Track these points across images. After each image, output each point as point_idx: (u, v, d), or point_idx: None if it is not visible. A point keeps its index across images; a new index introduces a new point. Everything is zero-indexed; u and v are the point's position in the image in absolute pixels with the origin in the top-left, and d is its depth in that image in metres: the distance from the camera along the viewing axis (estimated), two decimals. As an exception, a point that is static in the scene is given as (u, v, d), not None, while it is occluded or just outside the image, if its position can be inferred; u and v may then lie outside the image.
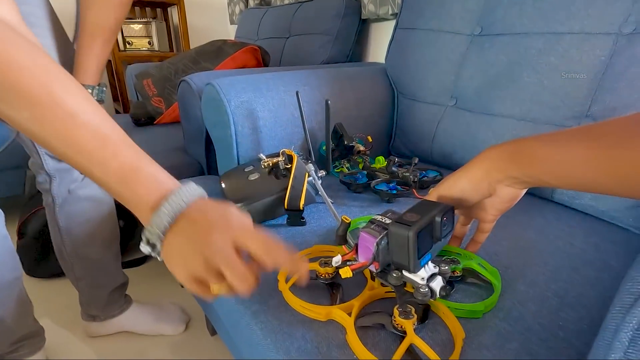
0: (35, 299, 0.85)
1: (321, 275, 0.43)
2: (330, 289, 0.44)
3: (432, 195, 0.44)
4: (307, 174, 0.59)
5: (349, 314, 0.40)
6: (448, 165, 0.85)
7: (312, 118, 0.85)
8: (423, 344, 0.34)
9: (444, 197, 0.43)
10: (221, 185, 0.63)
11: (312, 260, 0.46)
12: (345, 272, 0.40)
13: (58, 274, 1.15)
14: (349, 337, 0.37)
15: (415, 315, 0.36)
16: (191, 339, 0.95)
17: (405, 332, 0.36)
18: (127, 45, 2.03)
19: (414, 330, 0.36)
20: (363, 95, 0.94)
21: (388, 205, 0.65)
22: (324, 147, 0.86)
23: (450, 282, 0.43)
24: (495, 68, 0.75)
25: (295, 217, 0.58)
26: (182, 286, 1.12)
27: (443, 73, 0.85)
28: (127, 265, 1.22)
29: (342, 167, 0.83)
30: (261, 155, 0.65)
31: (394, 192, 0.66)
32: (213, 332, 0.95)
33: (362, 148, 0.84)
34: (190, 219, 0.36)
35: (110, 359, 0.90)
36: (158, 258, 0.37)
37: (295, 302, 0.42)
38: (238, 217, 0.38)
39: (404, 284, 0.40)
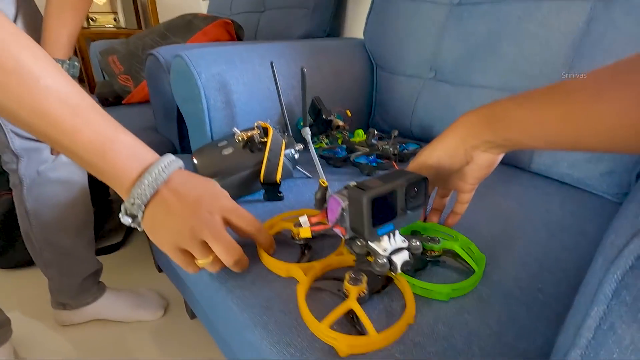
0: (0, 290, 0.80)
1: (295, 236, 0.44)
2: (303, 249, 0.45)
3: (411, 167, 0.44)
4: (283, 146, 0.57)
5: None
6: (428, 139, 0.82)
7: (288, 92, 0.82)
8: (360, 311, 0.33)
9: (422, 168, 0.42)
10: (193, 162, 0.60)
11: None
12: (305, 232, 0.42)
13: (25, 263, 1.09)
14: (298, 293, 0.37)
15: (364, 284, 0.36)
16: (171, 324, 0.93)
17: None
18: (91, 22, 1.90)
19: (365, 299, 0.36)
20: (341, 69, 0.91)
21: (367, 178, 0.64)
22: (302, 123, 0.83)
23: (425, 262, 0.42)
24: (475, 38, 0.73)
25: (272, 191, 0.56)
26: (160, 271, 1.09)
27: (422, 45, 0.83)
28: (101, 251, 1.17)
29: (321, 142, 0.80)
30: (235, 129, 0.62)
31: (374, 164, 0.65)
32: (193, 316, 0.93)
33: (341, 123, 0.81)
34: (173, 191, 0.36)
35: (86, 347, 0.87)
36: (138, 228, 0.38)
37: (264, 258, 0.43)
38: (223, 193, 0.40)
39: (368, 254, 0.38)
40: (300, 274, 0.39)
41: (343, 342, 0.32)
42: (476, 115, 0.39)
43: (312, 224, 0.43)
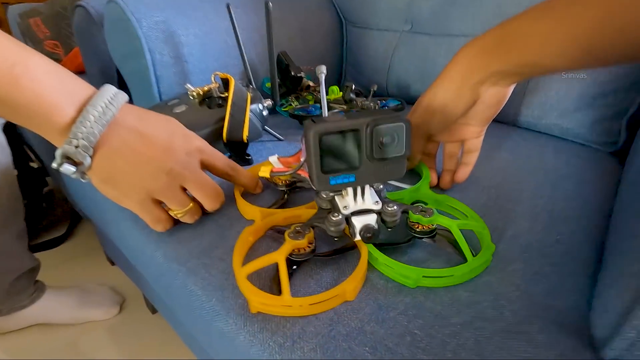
0: None
1: (274, 180, 0.40)
2: (282, 195, 0.41)
3: (414, 116, 0.38)
4: (249, 100, 0.48)
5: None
6: (406, 99, 0.77)
7: (250, 49, 0.71)
8: (282, 268, 0.27)
9: (426, 116, 0.37)
10: (138, 124, 0.49)
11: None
12: (264, 172, 0.38)
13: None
14: (241, 235, 0.32)
15: (306, 240, 0.29)
16: (129, 321, 0.82)
17: None
18: (9, -14, 1.63)
19: (303, 258, 0.30)
20: (307, 26, 0.82)
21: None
22: (268, 84, 0.73)
23: (409, 236, 0.33)
24: (454, -19, 0.67)
25: (238, 152, 0.47)
26: (113, 263, 0.96)
27: (395, -7, 0.75)
28: (42, 247, 1.02)
29: (290, 104, 0.71)
30: (188, 85, 0.51)
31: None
32: (154, 310, 0.82)
33: (311, 84, 0.73)
34: (132, 129, 0.30)
35: (27, 357, 0.74)
36: (82, 179, 0.30)
37: (238, 199, 0.39)
38: (191, 132, 0.35)
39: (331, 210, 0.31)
40: (257, 218, 0.35)
41: (252, 296, 0.27)
42: (481, 44, 0.33)
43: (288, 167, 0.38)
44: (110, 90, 0.30)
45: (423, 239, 0.32)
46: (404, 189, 0.39)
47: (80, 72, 1.08)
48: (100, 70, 0.80)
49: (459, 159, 0.42)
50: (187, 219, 0.35)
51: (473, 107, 0.36)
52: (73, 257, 1.02)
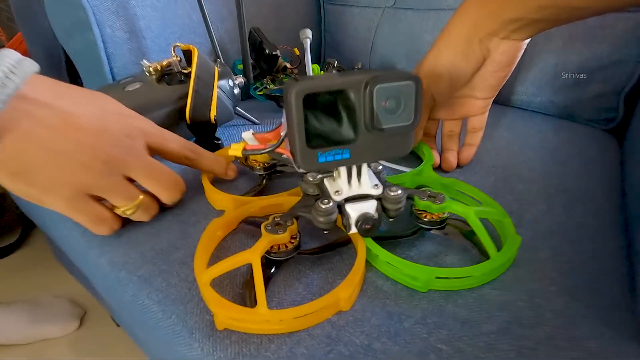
0: None
1: (247, 163, 0.34)
2: (260, 181, 0.34)
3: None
4: (217, 74, 0.40)
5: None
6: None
7: (219, 26, 0.64)
8: (257, 271, 0.21)
9: (431, 79, 0.31)
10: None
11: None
12: (235, 150, 0.30)
13: None
14: (206, 229, 0.26)
15: (288, 234, 0.23)
16: (92, 336, 0.73)
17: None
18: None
19: (286, 255, 0.24)
20: (281, 3, 0.75)
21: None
22: (239, 67, 0.66)
23: (415, 227, 0.27)
24: (440, -50, 0.62)
25: (206, 135, 0.39)
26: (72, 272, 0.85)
27: (376, -34, 0.70)
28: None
29: (265, 87, 0.64)
30: (144, 61, 0.44)
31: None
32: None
33: (288, 65, 0.66)
34: (48, 106, 0.23)
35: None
36: None
37: (206, 186, 0.32)
38: (130, 111, 0.29)
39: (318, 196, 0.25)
40: (229, 207, 0.29)
41: (217, 308, 0.20)
42: None
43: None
44: (9, 55, 0.22)
45: (431, 231, 0.26)
46: (404, 172, 0.33)
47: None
48: (45, 51, 0.69)
49: (460, 139, 0.37)
50: (140, 216, 0.28)
51: (480, 70, 0.31)
52: (26, 267, 0.91)
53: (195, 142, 0.40)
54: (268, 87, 0.64)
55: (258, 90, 0.64)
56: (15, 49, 0.82)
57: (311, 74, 0.33)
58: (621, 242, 0.29)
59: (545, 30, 0.29)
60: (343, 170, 0.24)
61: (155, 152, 0.28)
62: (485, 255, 0.24)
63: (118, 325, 0.73)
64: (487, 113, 0.36)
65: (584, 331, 0.20)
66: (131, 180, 0.26)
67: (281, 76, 0.66)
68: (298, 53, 0.69)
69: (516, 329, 0.20)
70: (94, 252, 0.29)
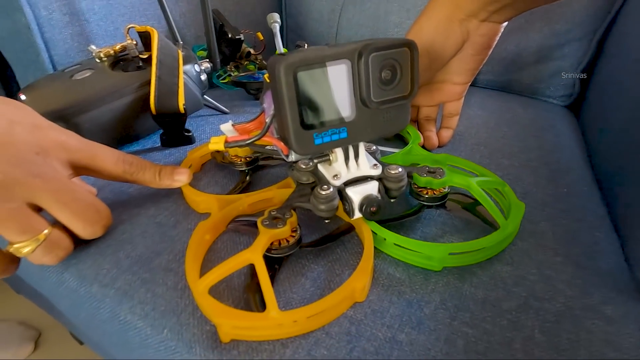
0: None
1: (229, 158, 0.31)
2: (243, 177, 0.31)
3: None
4: (181, 58, 0.36)
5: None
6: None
7: (173, 8, 0.58)
8: (262, 271, 0.19)
9: None
10: (20, 99, 0.35)
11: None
12: (216, 143, 0.25)
13: None
14: (192, 234, 0.23)
15: (288, 228, 0.21)
16: (49, 358, 0.66)
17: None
18: None
19: (288, 251, 0.22)
20: (239, -16, 0.70)
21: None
22: (199, 53, 0.61)
23: (417, 205, 0.26)
24: None
25: (174, 127, 0.35)
26: (19, 291, 0.77)
27: (337, -55, 0.67)
28: None
29: (229, 75, 0.60)
30: (92, 46, 0.39)
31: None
32: (82, 340, 0.67)
33: (252, 50, 0.62)
34: None
35: None
36: None
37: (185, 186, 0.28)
38: (45, 121, 0.23)
39: (314, 184, 0.24)
40: (214, 207, 0.26)
41: (221, 319, 0.18)
42: None
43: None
44: None
45: (433, 207, 0.26)
46: (393, 152, 0.32)
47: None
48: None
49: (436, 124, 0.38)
50: (42, 257, 0.21)
51: (459, 53, 0.31)
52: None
53: (163, 135, 0.36)
54: (232, 74, 0.60)
55: (222, 78, 0.60)
56: None
57: (280, 44, 0.30)
58: (602, 207, 0.30)
59: (524, 12, 0.29)
60: (340, 152, 0.22)
61: (84, 172, 0.24)
62: (491, 226, 0.23)
63: (81, 344, 0.67)
64: (463, 99, 0.36)
65: (597, 298, 0.20)
66: (39, 209, 0.21)
67: (245, 62, 0.62)
68: (262, 38, 0.65)
69: (534, 302, 0.20)
70: (55, 268, 0.25)
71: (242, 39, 0.57)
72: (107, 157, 0.24)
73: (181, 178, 0.26)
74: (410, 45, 0.21)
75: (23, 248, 0.20)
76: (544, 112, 0.52)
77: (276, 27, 0.35)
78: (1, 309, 0.74)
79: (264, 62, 0.61)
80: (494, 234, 0.22)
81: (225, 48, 0.57)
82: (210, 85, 0.61)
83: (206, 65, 0.42)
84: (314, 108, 0.20)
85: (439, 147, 0.37)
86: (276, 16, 0.36)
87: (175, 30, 0.45)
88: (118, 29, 0.51)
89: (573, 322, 0.19)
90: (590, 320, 0.19)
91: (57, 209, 0.21)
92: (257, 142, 0.24)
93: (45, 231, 0.21)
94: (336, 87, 0.20)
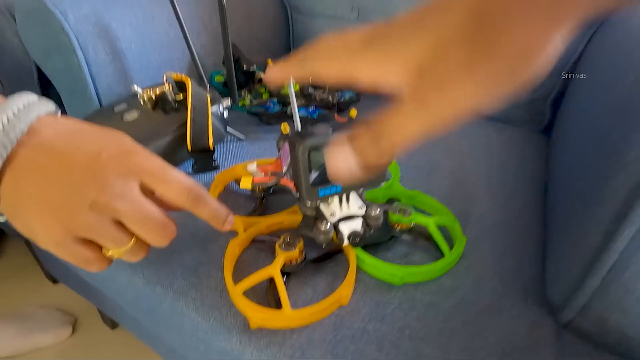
0: None
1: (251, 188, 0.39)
2: (261, 201, 0.40)
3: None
4: (209, 102, 0.45)
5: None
6: (358, 89, 0.79)
7: (194, 40, 0.66)
8: (279, 281, 0.28)
9: None
10: (82, 134, 0.44)
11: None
12: (245, 183, 0.37)
13: None
14: (227, 250, 0.32)
15: (298, 251, 0.30)
16: (86, 341, 0.76)
17: None
18: None
19: (299, 267, 0.31)
20: (252, 14, 0.78)
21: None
22: (217, 78, 0.70)
23: (390, 235, 0.35)
24: (396, -31, 0.68)
25: (205, 160, 0.45)
26: (54, 281, 0.87)
27: (340, -20, 0.75)
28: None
29: (244, 99, 0.69)
30: (136, 87, 0.47)
31: (315, 117, 0.57)
32: (113, 325, 0.77)
33: (262, 75, 0.71)
34: (45, 145, 0.23)
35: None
36: None
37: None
38: (134, 146, 0.26)
39: (317, 218, 0.32)
40: (240, 228, 0.34)
41: (252, 313, 0.27)
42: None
43: (266, 174, 0.37)
44: (22, 98, 0.24)
45: (402, 236, 0.35)
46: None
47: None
48: (12, 63, 0.68)
49: None
50: (128, 258, 0.27)
51: None
52: (3, 279, 0.90)
53: (194, 163, 0.45)
54: (246, 97, 0.69)
55: (237, 99, 0.68)
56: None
57: (298, 119, 0.38)
58: (541, 228, 0.39)
59: None
60: (336, 198, 0.31)
61: (148, 195, 0.26)
62: (441, 254, 0.32)
63: (112, 328, 0.77)
64: None
65: (509, 301, 0.29)
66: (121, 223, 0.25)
67: (257, 86, 0.71)
68: (271, 63, 0.74)
69: (464, 305, 0.29)
70: (124, 272, 0.34)
71: (255, 70, 0.66)
72: (175, 186, 0.26)
73: (227, 227, 0.29)
74: None
75: (115, 254, 0.26)
76: (516, 138, 0.60)
77: (291, 90, 0.44)
78: (40, 296, 0.84)
79: (271, 89, 0.69)
80: (439, 261, 0.31)
81: (241, 76, 0.66)
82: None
83: (227, 103, 0.50)
84: (320, 173, 0.28)
85: None
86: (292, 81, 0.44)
87: (202, 71, 0.53)
88: (150, 63, 0.60)
89: (486, 317, 0.28)
90: (498, 317, 0.28)
91: (136, 227, 0.25)
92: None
93: (130, 243, 0.26)
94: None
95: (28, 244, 0.78)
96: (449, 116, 0.17)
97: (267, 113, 0.59)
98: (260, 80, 0.70)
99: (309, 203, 0.32)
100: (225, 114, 0.49)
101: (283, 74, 0.24)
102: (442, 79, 0.16)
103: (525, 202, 0.43)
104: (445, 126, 0.17)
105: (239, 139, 0.55)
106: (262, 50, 0.80)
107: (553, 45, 0.15)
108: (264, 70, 0.72)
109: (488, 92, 0.16)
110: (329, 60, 0.21)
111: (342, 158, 0.19)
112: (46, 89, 0.69)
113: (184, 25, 0.52)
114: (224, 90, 0.64)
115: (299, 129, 0.37)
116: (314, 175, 0.28)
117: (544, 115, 0.65)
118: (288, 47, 0.87)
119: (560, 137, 0.53)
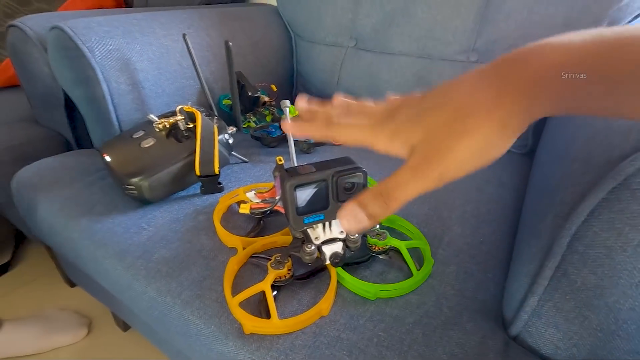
0: None
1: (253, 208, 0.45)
2: (259, 222, 0.46)
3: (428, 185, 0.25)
4: (216, 132, 0.51)
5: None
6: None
7: (204, 68, 0.73)
8: (269, 296, 0.34)
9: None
10: (105, 160, 0.50)
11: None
12: (244, 209, 0.43)
13: None
14: (226, 266, 0.38)
15: (286, 269, 0.36)
16: (100, 341, 0.82)
17: None
18: None
19: (285, 283, 0.36)
20: (257, 39, 0.85)
21: (307, 156, 0.62)
22: (224, 102, 0.76)
23: (369, 255, 0.40)
24: (391, 4, 0.74)
25: (211, 183, 0.50)
26: (72, 285, 0.94)
27: (340, 11, 0.81)
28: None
29: (249, 121, 0.75)
30: (151, 116, 0.53)
31: (312, 141, 0.63)
32: (126, 327, 0.83)
33: (267, 99, 0.77)
34: None
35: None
36: None
37: (217, 228, 0.44)
38: None
39: (303, 239, 0.37)
40: (239, 247, 0.40)
41: (246, 321, 0.33)
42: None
43: (262, 200, 0.44)
44: None
45: (379, 256, 0.40)
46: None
47: (13, 86, 1.01)
48: (42, 90, 0.76)
49: None
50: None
51: None
52: (24, 283, 0.97)
53: (201, 186, 0.51)
54: (250, 120, 0.75)
55: (242, 124, 0.75)
56: (2, 74, 0.91)
57: (295, 157, 0.44)
58: (508, 254, 0.44)
59: None
60: (320, 224, 0.36)
61: None
62: (411, 273, 0.37)
63: (124, 330, 0.83)
64: None
65: (465, 317, 0.34)
66: None
67: (261, 109, 0.77)
68: (275, 89, 0.80)
69: (425, 319, 0.33)
70: (139, 283, 0.40)
71: (259, 95, 0.72)
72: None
73: None
74: (364, 171, 0.34)
75: None
76: (497, 162, 0.65)
77: (287, 111, 0.49)
78: (59, 299, 0.91)
79: (275, 112, 0.75)
80: (407, 280, 0.36)
81: (246, 100, 0.72)
82: (233, 130, 0.75)
83: (232, 130, 0.56)
84: (305, 205, 0.34)
85: None
86: (287, 102, 0.50)
87: (212, 101, 0.60)
88: (164, 91, 0.67)
89: (444, 330, 0.33)
90: (454, 331, 0.33)
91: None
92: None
93: None
94: (318, 193, 0.34)
95: (48, 249, 0.85)
96: (437, 182, 0.22)
97: (269, 137, 0.65)
98: (265, 103, 0.76)
99: (308, 230, 0.37)
100: (231, 141, 0.55)
101: (307, 133, 0.27)
102: (430, 157, 0.22)
103: (493, 229, 0.47)
104: (435, 187, 0.22)
105: (243, 162, 0.61)
106: (267, 74, 0.86)
107: (509, 141, 0.22)
108: (267, 94, 0.78)
109: (465, 168, 0.22)
110: (352, 129, 0.25)
111: (353, 216, 0.24)
112: (72, 111, 0.77)
113: (194, 56, 0.58)
114: (231, 112, 0.70)
115: (295, 164, 0.43)
116: (300, 205, 0.34)
117: (527, 140, 0.69)
118: (292, 69, 0.94)
119: (536, 163, 0.57)
